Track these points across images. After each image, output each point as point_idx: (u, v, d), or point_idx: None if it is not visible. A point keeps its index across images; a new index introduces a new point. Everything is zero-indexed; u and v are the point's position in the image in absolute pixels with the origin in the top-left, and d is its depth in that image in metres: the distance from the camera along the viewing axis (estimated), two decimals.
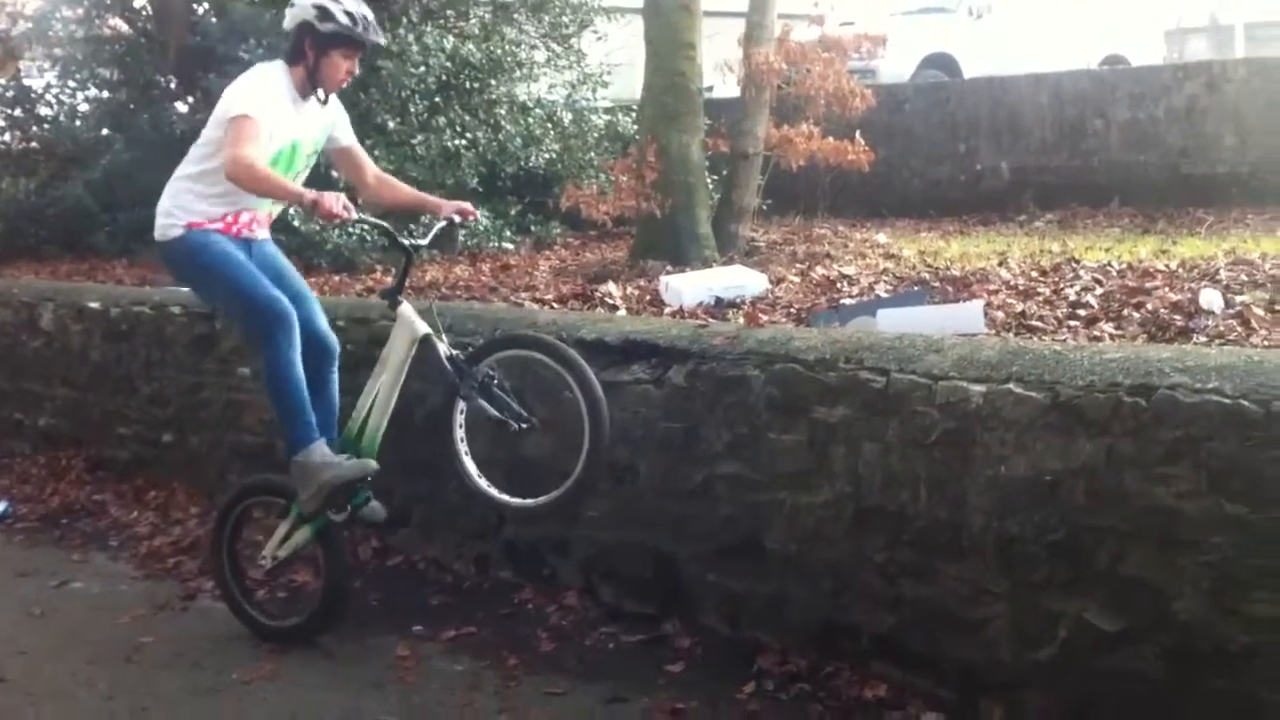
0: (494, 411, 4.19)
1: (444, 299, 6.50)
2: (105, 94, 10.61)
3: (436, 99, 8.94)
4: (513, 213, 9.24)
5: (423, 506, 5.15)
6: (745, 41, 7.99)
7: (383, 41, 4.78)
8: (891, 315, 4.59)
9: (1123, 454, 3.15)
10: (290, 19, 4.41)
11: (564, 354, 4.14)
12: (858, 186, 9.15)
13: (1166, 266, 5.84)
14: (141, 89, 10.15)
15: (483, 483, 4.33)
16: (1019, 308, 5.04)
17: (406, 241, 4.44)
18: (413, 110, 8.76)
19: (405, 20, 9.21)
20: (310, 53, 4.37)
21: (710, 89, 8.86)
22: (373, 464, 4.30)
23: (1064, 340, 4.23)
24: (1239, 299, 4.82)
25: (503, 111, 9.34)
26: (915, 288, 5.73)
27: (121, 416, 6.70)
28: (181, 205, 4.44)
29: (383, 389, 4.37)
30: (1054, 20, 15.43)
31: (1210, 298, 4.77)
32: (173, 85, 9.91)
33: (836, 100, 8.14)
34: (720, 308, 5.57)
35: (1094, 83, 10.47)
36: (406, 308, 4.37)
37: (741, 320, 5.08)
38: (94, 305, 6.91)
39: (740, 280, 5.97)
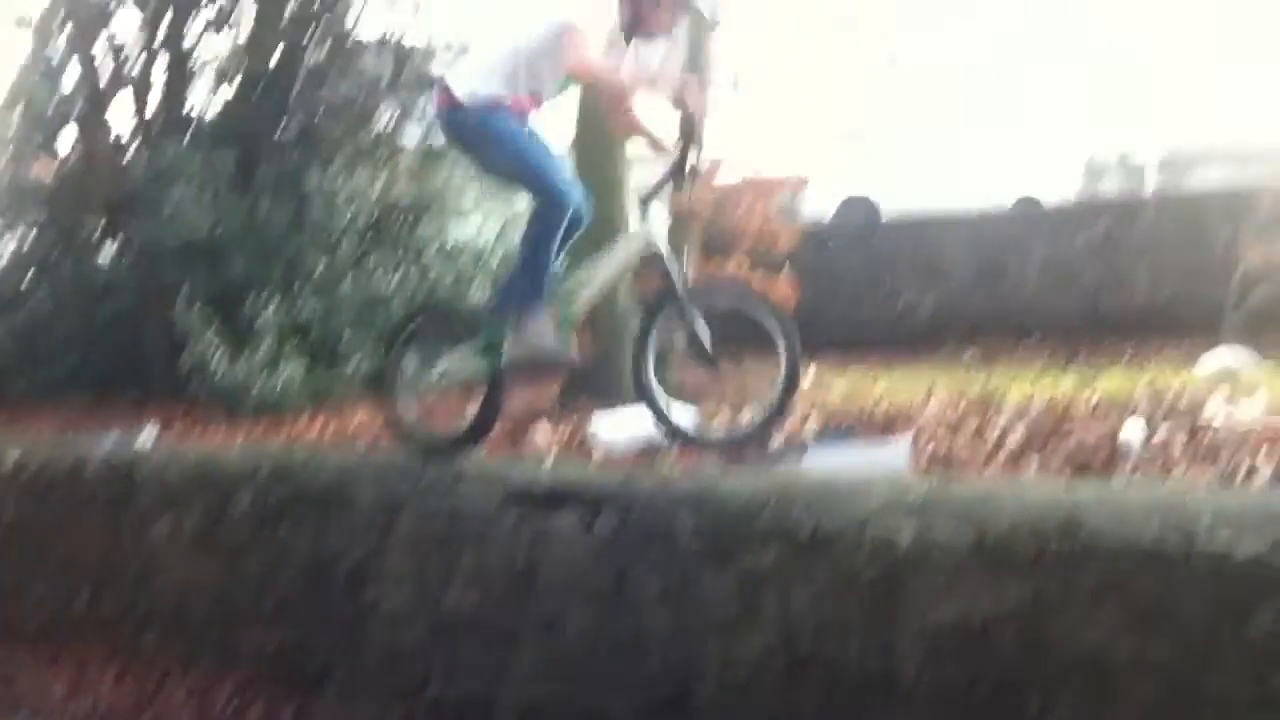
0: (698, 338, 4.60)
1: (371, 445, 6.42)
2: (29, 239, 10.51)
3: (366, 241, 8.95)
4: (418, 356, 9.15)
5: (345, 666, 5.01)
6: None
7: None
8: (819, 456, 4.59)
9: (1050, 596, 3.15)
10: None
11: (768, 306, 4.63)
12: None
13: (1088, 401, 5.90)
14: (66, 234, 10.08)
15: (663, 405, 4.76)
16: (945, 445, 5.06)
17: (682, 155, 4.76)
18: (341, 252, 8.75)
19: (335, 161, 9.25)
20: None
21: None
22: (575, 356, 4.91)
23: (989, 478, 4.25)
24: (1159, 433, 4.88)
25: (432, 252, 9.35)
26: (844, 426, 5.75)
27: (33, 577, 6.48)
28: (483, 77, 4.77)
29: (601, 276, 4.89)
30: (972, 160, 15.91)
31: (1132, 431, 4.82)
32: (97, 230, 9.84)
33: (763, 238, 8.27)
34: (651, 451, 5.53)
35: (1011, 221, 10.75)
36: (654, 221, 4.74)
37: (672, 463, 5.05)
38: (13, 455, 6.74)
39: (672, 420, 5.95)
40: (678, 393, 5.21)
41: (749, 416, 4.79)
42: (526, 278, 4.83)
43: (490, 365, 4.95)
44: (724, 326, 4.75)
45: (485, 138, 4.90)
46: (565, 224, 4.74)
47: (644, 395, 4.81)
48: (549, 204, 4.77)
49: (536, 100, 4.92)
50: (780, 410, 4.63)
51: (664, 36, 4.93)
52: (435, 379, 5.20)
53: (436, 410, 5.38)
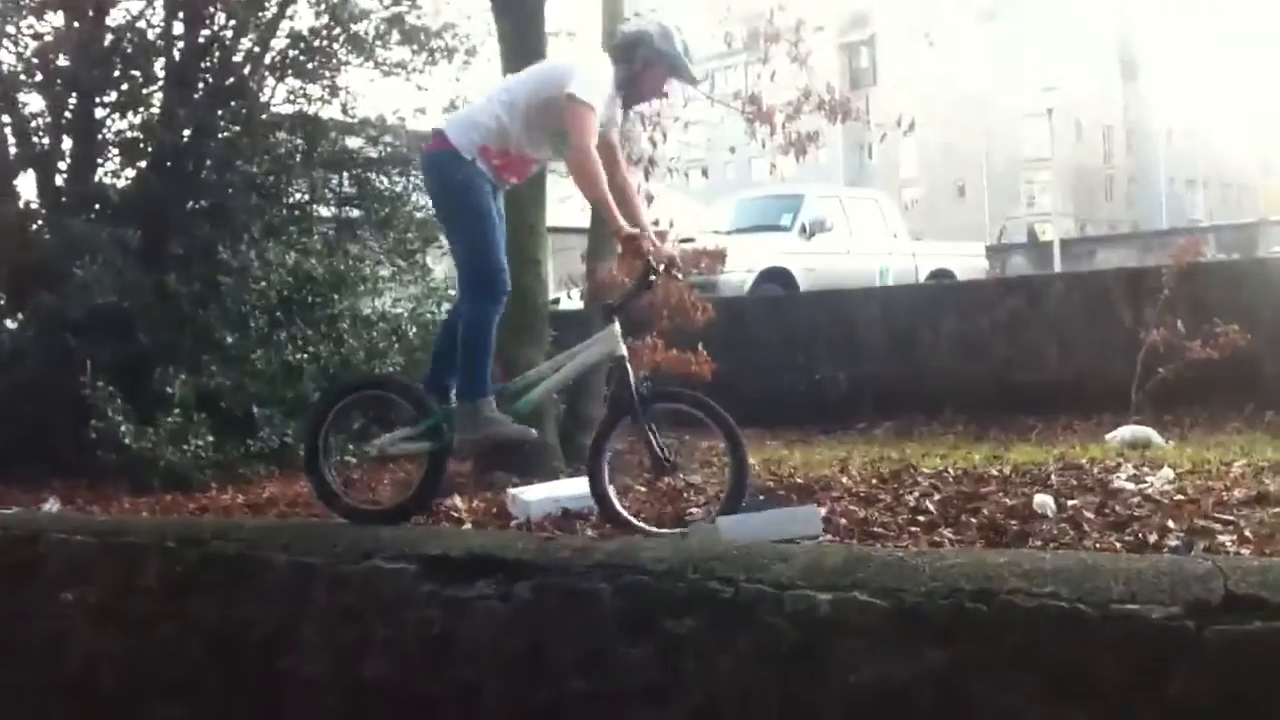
0: (656, 446, 4.79)
1: (282, 515, 6.33)
2: None
3: (278, 313, 8.87)
4: (356, 426, 9.12)
5: None
6: (589, 257, 8.15)
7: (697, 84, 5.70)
8: (732, 523, 4.60)
9: (968, 660, 3.17)
10: (632, 28, 5.08)
11: (717, 413, 4.80)
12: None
13: (1000, 472, 6.00)
14: None
15: (619, 507, 4.90)
16: (861, 514, 5.10)
17: (655, 276, 4.99)
18: (253, 325, 8.67)
19: (247, 236, 9.20)
20: (639, 63, 4.90)
21: (556, 302, 8.96)
22: (533, 433, 5.14)
23: (905, 546, 4.28)
24: (1070, 503, 4.97)
25: (345, 325, 9.29)
26: (760, 497, 5.77)
27: None
28: (485, 126, 4.85)
29: (562, 373, 5.09)
30: (884, 238, 16.23)
31: (1043, 502, 4.90)
32: (2, 301, 9.66)
33: (678, 313, 8.30)
34: (568, 519, 5.51)
35: (923, 296, 10.93)
36: (617, 326, 4.92)
37: (589, 532, 5.03)
38: None
39: (588, 491, 5.93)
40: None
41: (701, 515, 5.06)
42: (471, 369, 4.94)
43: (434, 446, 5.02)
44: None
45: (463, 201, 4.97)
46: (500, 312, 4.94)
47: (599, 495, 4.93)
48: (484, 292, 4.90)
49: (524, 168, 5.00)
50: (733, 505, 4.79)
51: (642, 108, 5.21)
52: (375, 454, 5.33)
53: (355, 484, 5.41)
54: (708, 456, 6.33)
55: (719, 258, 9.73)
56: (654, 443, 4.85)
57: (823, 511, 5.07)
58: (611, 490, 4.95)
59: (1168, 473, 5.50)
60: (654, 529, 4.90)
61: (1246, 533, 4.20)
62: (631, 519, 4.92)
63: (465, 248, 5.08)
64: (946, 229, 52.10)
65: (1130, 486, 5.30)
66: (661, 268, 5.07)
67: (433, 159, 5.07)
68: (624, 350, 4.88)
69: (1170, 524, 4.44)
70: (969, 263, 17.46)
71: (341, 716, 4.11)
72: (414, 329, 9.93)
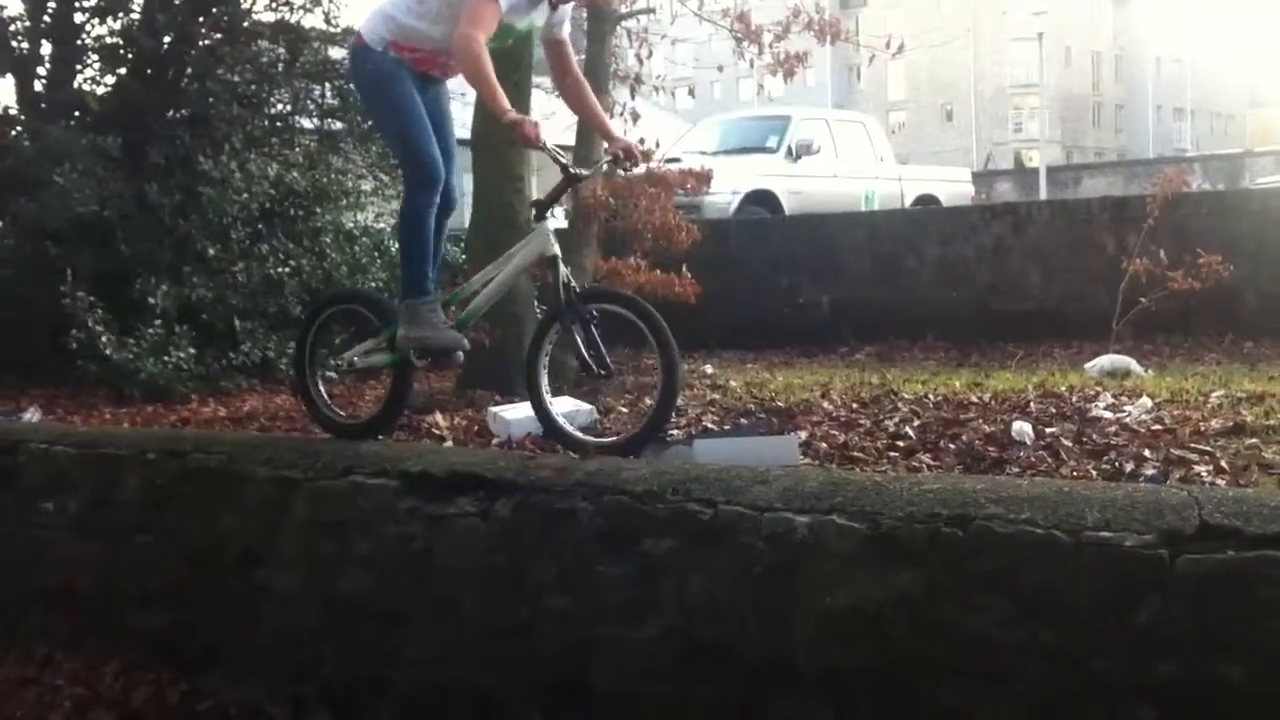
0: (584, 348, 4.61)
1: (263, 429, 6.33)
2: None
3: (259, 226, 8.82)
4: (337, 342, 9.10)
5: (235, 648, 4.92)
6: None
7: None
8: (708, 447, 4.62)
9: (941, 584, 3.20)
10: None
11: (651, 317, 4.50)
12: (685, 318, 9.21)
13: (980, 399, 6.03)
14: None
15: (557, 415, 4.80)
16: (841, 439, 5.13)
17: (572, 169, 4.77)
18: (234, 237, 8.61)
19: (228, 147, 9.10)
20: None
21: None
22: (465, 343, 4.89)
23: (884, 471, 4.31)
24: (1049, 431, 5.00)
25: (328, 240, 9.24)
26: (742, 420, 5.80)
27: None
28: (394, 19, 4.72)
29: (499, 279, 4.90)
30: (870, 162, 16.15)
31: (1021, 430, 4.93)
32: None
33: (663, 234, 8.27)
34: (548, 438, 5.53)
35: (907, 222, 10.91)
36: (549, 226, 4.78)
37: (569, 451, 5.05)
38: None
39: (568, 410, 5.95)
40: (572, 393, 5.27)
41: (631, 425, 4.93)
42: (411, 266, 4.85)
43: (395, 358, 4.96)
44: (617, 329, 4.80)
45: (378, 93, 4.91)
46: (435, 205, 4.78)
47: (537, 404, 4.83)
48: (416, 180, 4.81)
49: (445, 66, 4.86)
50: (660, 420, 4.68)
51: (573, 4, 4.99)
52: (345, 367, 5.30)
53: (340, 396, 5.41)
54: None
55: (704, 179, 9.67)
56: (583, 344, 4.66)
57: (803, 435, 5.10)
58: (553, 404, 4.86)
59: (1146, 402, 5.53)
60: (595, 439, 4.82)
61: (1222, 463, 4.24)
62: (572, 431, 4.83)
63: (391, 140, 5.11)
64: (934, 154, 51.97)
65: (1108, 415, 5.34)
66: (619, 157, 4.97)
67: (352, 55, 5.02)
68: (556, 249, 4.71)
69: (1147, 453, 4.47)
70: (955, 188, 17.41)
71: (319, 629, 4.13)
72: (396, 244, 9.87)
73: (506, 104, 4.53)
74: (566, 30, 5.02)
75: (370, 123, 9.84)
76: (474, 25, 4.45)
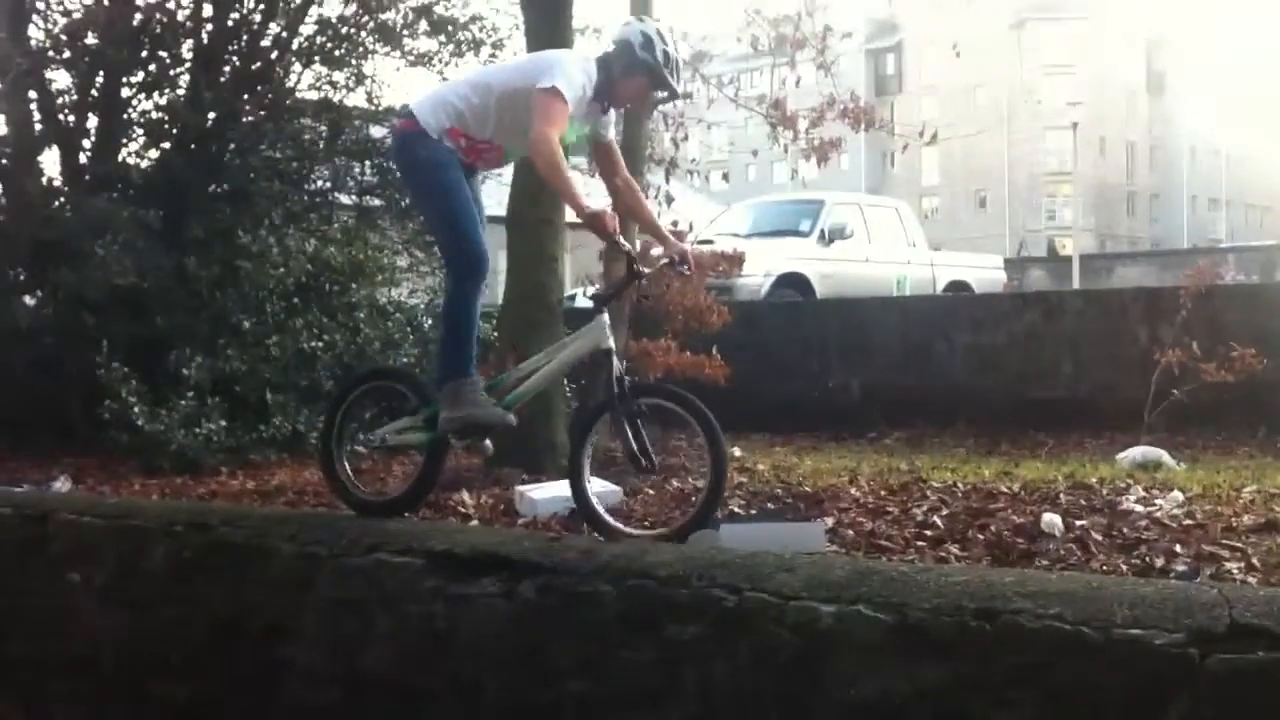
0: (634, 441, 4.64)
1: (291, 504, 6.34)
2: None
3: (295, 300, 8.89)
4: (368, 416, 9.15)
5: None
6: (606, 256, 8.14)
7: (682, 93, 5.64)
8: (734, 532, 4.61)
9: (968, 678, 3.17)
10: (618, 33, 4.93)
11: (700, 412, 4.62)
12: (714, 400, 9.21)
13: (1009, 489, 5.98)
14: None
15: (596, 502, 4.81)
16: (868, 526, 5.09)
17: (638, 266, 4.95)
18: (270, 310, 8.69)
19: (267, 222, 9.22)
20: (619, 70, 4.84)
21: (572, 299, 8.97)
22: (512, 419, 4.88)
23: (911, 560, 4.28)
24: (1078, 523, 4.96)
25: (362, 315, 9.30)
26: (769, 505, 5.78)
27: None
28: (453, 106, 4.84)
29: (551, 367, 4.99)
30: (903, 247, 16.19)
31: (1051, 521, 4.89)
32: (22, 277, 9.70)
33: (694, 316, 8.30)
34: (575, 519, 5.52)
35: (939, 307, 10.90)
36: (605, 319, 4.83)
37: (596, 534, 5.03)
38: None
39: (596, 491, 5.94)
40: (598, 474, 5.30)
41: (678, 517, 4.95)
42: (454, 349, 4.91)
43: (432, 437, 4.99)
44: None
45: (431, 178, 4.97)
46: (481, 292, 4.92)
47: (577, 490, 4.84)
48: (465, 270, 4.89)
49: (495, 156, 4.95)
50: (707, 512, 4.69)
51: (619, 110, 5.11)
52: (377, 443, 5.34)
53: (367, 472, 5.43)
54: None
55: (737, 261, 9.72)
56: (632, 438, 4.71)
57: (829, 522, 5.08)
58: (591, 488, 4.87)
59: (1177, 496, 5.48)
60: (631, 530, 4.85)
61: (1254, 561, 4.18)
62: (608, 519, 4.85)
63: (440, 228, 5.15)
64: (967, 240, 52.07)
65: (1139, 509, 5.28)
66: (674, 261, 5.08)
67: (401, 138, 5.06)
68: (610, 343, 4.78)
69: (1178, 549, 4.42)
70: (987, 275, 17.41)
71: (340, 706, 4.12)
72: (429, 320, 9.95)
73: (584, 200, 4.66)
74: (614, 134, 5.12)
75: (407, 200, 9.99)
76: (548, 123, 4.56)
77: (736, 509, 5.73)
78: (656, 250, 5.33)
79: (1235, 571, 4.05)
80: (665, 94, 5.13)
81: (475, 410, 4.82)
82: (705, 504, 4.69)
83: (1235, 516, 4.99)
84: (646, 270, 5.08)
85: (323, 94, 10.29)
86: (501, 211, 7.25)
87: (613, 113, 5.05)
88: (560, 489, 6.02)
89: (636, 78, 4.87)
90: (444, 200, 4.91)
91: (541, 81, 4.61)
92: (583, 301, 9.81)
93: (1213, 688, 2.89)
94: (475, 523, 5.56)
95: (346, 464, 5.34)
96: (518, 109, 4.74)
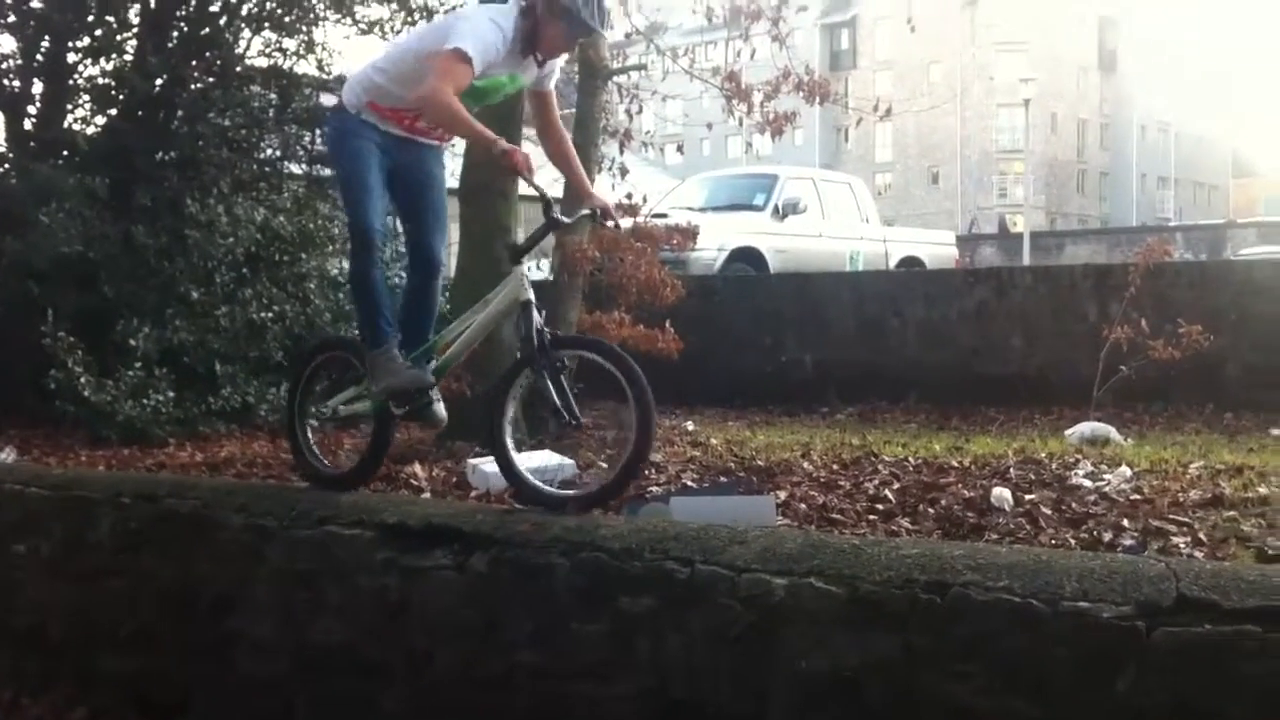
0: (555, 397, 4.47)
1: (240, 475, 6.29)
2: None
3: (244, 270, 8.80)
4: (318, 389, 9.07)
5: (205, 695, 4.87)
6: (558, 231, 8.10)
7: (605, 33, 5.67)
8: (686, 505, 4.59)
9: (920, 650, 3.19)
10: None
11: (624, 362, 4.41)
12: (667, 374, 9.23)
13: (960, 463, 6.03)
14: None
15: (522, 468, 4.63)
16: (820, 500, 5.12)
17: (555, 214, 4.74)
18: (219, 281, 8.60)
19: (216, 191, 9.10)
20: (537, 14, 4.62)
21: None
22: (428, 378, 4.81)
23: (863, 534, 4.30)
24: (1028, 498, 5.00)
25: (312, 285, 9.22)
26: (721, 479, 5.79)
27: None
28: (371, 79, 4.79)
29: (474, 326, 4.83)
30: (856, 223, 16.24)
31: (1001, 496, 4.93)
32: None
33: (648, 289, 8.28)
34: (514, 493, 5.49)
35: (892, 283, 10.94)
36: (523, 271, 4.71)
37: None
38: None
39: (548, 464, 5.91)
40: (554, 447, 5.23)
41: (601, 477, 4.80)
42: (363, 321, 4.94)
43: (377, 405, 4.95)
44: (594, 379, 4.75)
45: (335, 150, 5.02)
46: (377, 264, 4.86)
47: (499, 455, 4.67)
48: (355, 242, 4.90)
49: (411, 120, 4.86)
50: (634, 467, 4.53)
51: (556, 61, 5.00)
52: (329, 415, 5.29)
53: (319, 444, 5.37)
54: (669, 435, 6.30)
55: (690, 235, 9.69)
56: (554, 393, 4.50)
57: (782, 496, 5.09)
58: (512, 448, 4.68)
59: (1125, 471, 5.54)
60: (562, 492, 4.66)
61: (1200, 535, 4.24)
62: (540, 485, 4.63)
63: (342, 200, 5.13)
64: (919, 216, 52.34)
65: (1088, 483, 5.34)
66: (595, 214, 4.96)
67: (327, 119, 5.14)
68: (529, 295, 4.61)
69: (1125, 523, 4.47)
70: (939, 251, 17.50)
71: (290, 677, 4.09)
72: None
73: (493, 134, 4.53)
74: (553, 83, 5.05)
75: None
76: (441, 78, 4.43)
77: (689, 482, 5.74)
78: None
79: (1182, 546, 4.11)
80: (586, 34, 4.97)
81: (393, 379, 4.80)
82: (632, 459, 4.44)
83: (1182, 491, 5.05)
84: (565, 219, 4.91)
85: (273, 61, 10.15)
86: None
87: (552, 65, 4.92)
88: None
89: (556, 23, 4.67)
90: (342, 168, 4.93)
91: (448, 43, 4.48)
92: (537, 274, 9.76)
93: (1160, 660, 2.92)
94: (427, 495, 5.54)
95: (310, 436, 5.29)
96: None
